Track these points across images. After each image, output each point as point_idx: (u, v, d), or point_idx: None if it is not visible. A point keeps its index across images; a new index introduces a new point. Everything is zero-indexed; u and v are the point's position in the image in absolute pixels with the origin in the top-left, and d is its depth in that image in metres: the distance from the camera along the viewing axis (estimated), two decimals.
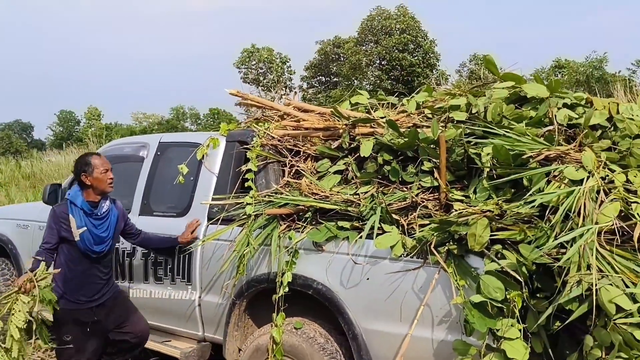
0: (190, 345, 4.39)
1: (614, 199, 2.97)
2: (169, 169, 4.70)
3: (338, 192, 3.86)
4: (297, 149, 4.28)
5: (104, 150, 5.25)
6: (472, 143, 3.56)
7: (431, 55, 39.65)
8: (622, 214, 2.96)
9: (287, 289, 3.65)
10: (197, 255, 4.28)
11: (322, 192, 3.88)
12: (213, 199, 4.29)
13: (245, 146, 4.30)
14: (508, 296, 2.86)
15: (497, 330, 2.83)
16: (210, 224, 4.26)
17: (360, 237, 3.49)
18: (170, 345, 4.45)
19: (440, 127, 3.76)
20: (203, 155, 4.46)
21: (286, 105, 4.73)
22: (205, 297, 4.25)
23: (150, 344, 4.53)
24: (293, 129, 4.44)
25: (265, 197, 4.03)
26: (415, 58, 39.05)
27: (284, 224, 3.85)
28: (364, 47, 40.90)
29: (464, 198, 3.45)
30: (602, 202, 2.97)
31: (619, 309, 2.54)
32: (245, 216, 3.96)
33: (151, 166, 4.80)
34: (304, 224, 3.78)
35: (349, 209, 3.68)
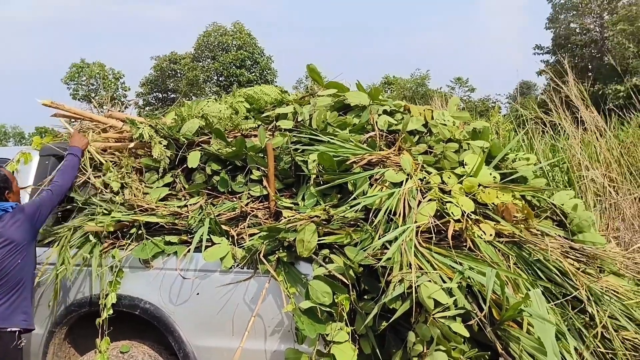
0: None
1: (431, 199, 3.13)
2: None
3: (165, 205, 3.69)
4: (122, 161, 4.02)
5: None
6: (299, 150, 3.58)
7: (268, 72, 40.16)
8: (438, 213, 3.12)
9: (111, 311, 3.40)
10: None
11: (148, 205, 3.68)
12: None
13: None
14: (336, 300, 2.87)
15: (327, 335, 2.83)
16: None
17: (189, 251, 3.34)
18: None
19: (267, 136, 3.74)
20: (13, 172, 4.04)
21: (107, 117, 4.45)
22: None
23: None
24: (115, 141, 4.18)
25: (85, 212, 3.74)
26: (253, 74, 39.30)
27: (107, 241, 3.59)
28: (200, 63, 40.45)
29: (293, 205, 3.45)
30: (420, 202, 3.11)
31: (437, 303, 2.65)
32: (62, 234, 3.64)
33: None
34: (129, 241, 3.55)
35: (177, 222, 3.52)
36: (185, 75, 39.84)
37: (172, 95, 42.22)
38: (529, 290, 2.78)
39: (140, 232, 3.55)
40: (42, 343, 3.70)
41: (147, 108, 41.04)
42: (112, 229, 3.55)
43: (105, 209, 3.72)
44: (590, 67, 27.47)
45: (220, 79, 39.98)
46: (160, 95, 43.44)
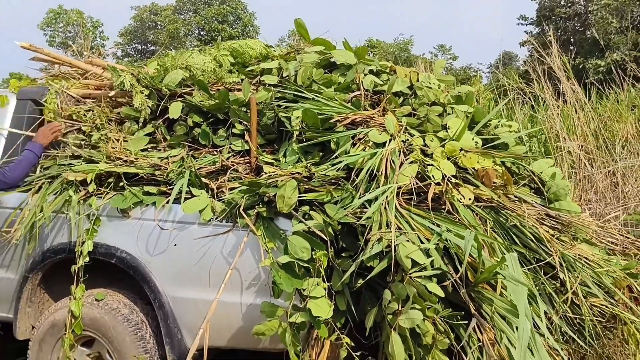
0: None
1: (412, 161, 3.14)
2: None
3: (145, 156, 3.65)
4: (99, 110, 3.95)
5: None
6: (282, 107, 3.55)
7: (250, 29, 39.58)
8: (419, 175, 3.14)
9: (87, 259, 3.38)
10: None
11: (127, 156, 3.64)
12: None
13: (39, 104, 3.90)
14: (314, 256, 2.89)
15: (304, 290, 2.86)
16: None
17: (168, 202, 3.33)
18: None
19: (251, 90, 3.70)
20: None
21: (88, 63, 4.36)
22: None
23: None
24: (96, 89, 4.11)
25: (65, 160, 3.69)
26: (235, 30, 38.70)
27: (84, 189, 3.56)
28: (182, 16, 39.69)
29: (274, 161, 3.43)
30: (402, 164, 3.12)
31: (415, 263, 2.68)
32: (39, 181, 3.60)
33: None
34: (107, 189, 3.52)
35: (156, 173, 3.49)
36: (165, 27, 39.08)
37: (152, 48, 41.49)
38: (505, 254, 2.83)
39: (118, 181, 3.52)
40: (16, 288, 3.68)
41: (125, 59, 40.29)
42: (92, 179, 3.51)
43: (85, 158, 3.68)
44: (572, 40, 27.55)
45: (202, 33, 39.32)
46: (140, 47, 42.67)
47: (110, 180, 3.54)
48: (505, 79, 7.85)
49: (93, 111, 3.90)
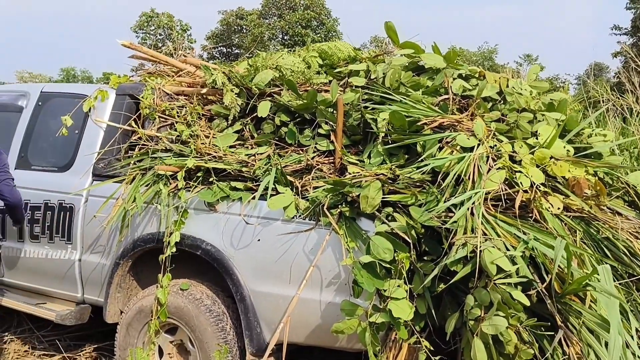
0: (67, 308, 4.14)
1: (500, 167, 3.08)
2: (51, 120, 4.38)
3: (233, 152, 3.75)
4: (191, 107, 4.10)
5: None
6: (369, 108, 3.57)
7: (333, 34, 39.89)
8: (507, 182, 3.07)
9: (174, 249, 3.52)
10: (79, 213, 4.02)
11: (216, 152, 3.75)
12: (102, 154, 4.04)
13: (136, 100, 4.09)
14: (396, 257, 2.89)
15: (384, 290, 2.86)
16: (95, 179, 4.02)
17: (254, 198, 3.41)
18: (45, 308, 4.18)
19: (339, 91, 3.73)
20: (90, 108, 4.18)
21: (182, 62, 4.53)
22: (86, 257, 4.02)
23: (22, 307, 4.24)
24: (188, 86, 4.26)
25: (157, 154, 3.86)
26: (318, 35, 39.14)
27: (174, 182, 3.70)
28: (267, 21, 40.52)
29: (358, 162, 3.45)
30: (489, 169, 3.07)
31: (500, 270, 2.63)
32: (133, 173, 3.78)
33: (31, 117, 4.45)
34: (195, 183, 3.65)
35: (243, 169, 3.59)
36: (250, 31, 39.99)
37: (237, 51, 42.53)
38: (594, 266, 2.73)
39: (206, 176, 3.64)
40: (107, 273, 3.87)
41: (211, 62, 41.42)
42: (182, 173, 3.64)
43: (175, 152, 3.82)
44: None
45: (285, 37, 39.97)
46: (225, 50, 43.82)
47: (199, 174, 3.67)
48: (597, 89, 7.56)
49: (185, 108, 4.05)
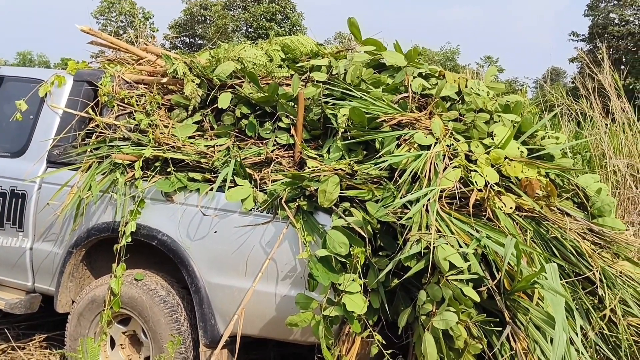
0: (17, 297, 4.06)
1: (456, 165, 3.14)
2: (5, 105, 4.27)
3: (192, 143, 3.73)
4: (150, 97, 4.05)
5: None
6: (330, 103, 3.59)
7: (298, 28, 39.82)
8: (462, 180, 3.13)
9: (130, 239, 3.48)
10: (31, 200, 3.94)
11: (175, 142, 3.72)
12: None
13: (94, 87, 4.02)
14: (352, 252, 2.92)
15: (339, 284, 2.89)
16: (50, 166, 3.94)
17: (212, 189, 3.40)
18: None
19: (300, 86, 3.74)
20: (46, 93, 4.10)
21: (143, 50, 4.47)
22: (38, 245, 3.94)
23: None
24: (148, 75, 4.21)
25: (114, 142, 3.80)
26: (282, 29, 39.00)
27: (131, 171, 3.65)
28: (231, 12, 40.17)
29: (317, 157, 3.47)
30: (445, 168, 3.13)
31: (452, 266, 2.69)
32: (90, 160, 3.72)
33: None
34: (153, 173, 3.61)
35: (202, 160, 3.57)
36: (214, 22, 39.60)
37: (200, 42, 42.07)
38: (543, 265, 2.81)
39: (164, 166, 3.61)
40: (60, 262, 3.80)
41: (173, 51, 40.88)
42: (139, 162, 3.60)
43: (133, 141, 3.78)
44: (624, 60, 26.97)
45: (249, 30, 39.73)
46: (188, 40, 43.32)
47: (157, 164, 3.63)
48: (553, 93, 7.75)
49: (145, 96, 4.00)
